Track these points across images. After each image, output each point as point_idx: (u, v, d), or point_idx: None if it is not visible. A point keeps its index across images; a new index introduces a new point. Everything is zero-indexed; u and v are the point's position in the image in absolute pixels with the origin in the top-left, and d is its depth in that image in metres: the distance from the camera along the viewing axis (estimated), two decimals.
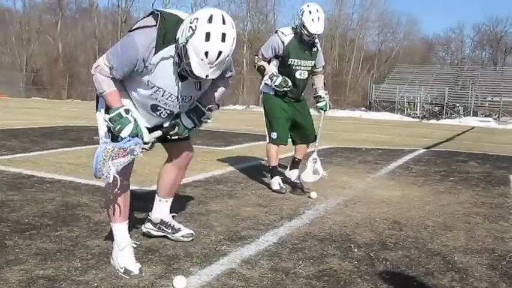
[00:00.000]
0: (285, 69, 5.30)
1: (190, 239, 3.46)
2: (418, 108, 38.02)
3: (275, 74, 5.27)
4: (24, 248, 3.18)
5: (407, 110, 37.98)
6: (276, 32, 5.38)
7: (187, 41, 2.56)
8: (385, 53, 55.03)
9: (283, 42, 5.24)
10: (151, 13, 2.82)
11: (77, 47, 54.85)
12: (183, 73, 2.71)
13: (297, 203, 4.83)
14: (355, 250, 3.45)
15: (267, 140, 5.51)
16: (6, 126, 11.80)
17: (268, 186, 5.49)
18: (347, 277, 2.93)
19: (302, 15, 5.10)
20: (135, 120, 2.77)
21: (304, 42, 5.24)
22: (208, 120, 3.11)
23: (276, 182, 5.38)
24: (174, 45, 2.72)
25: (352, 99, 46.83)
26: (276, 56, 5.33)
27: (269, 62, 5.39)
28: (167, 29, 2.71)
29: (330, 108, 5.49)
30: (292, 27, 5.31)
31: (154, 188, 3.76)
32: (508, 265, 3.28)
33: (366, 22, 53.31)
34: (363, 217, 4.37)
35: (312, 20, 5.05)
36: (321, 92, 5.46)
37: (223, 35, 2.56)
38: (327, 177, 5.17)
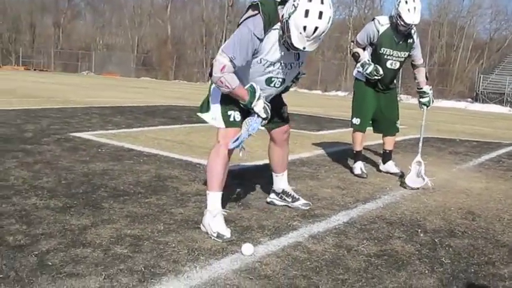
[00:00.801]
0: (377, 57, 5.41)
1: (308, 207, 3.97)
2: None
3: (367, 62, 5.40)
4: (117, 210, 3.59)
5: None
6: (373, 19, 5.46)
7: (289, 17, 2.99)
8: (497, 42, 52.20)
9: (378, 31, 5.33)
10: (250, 6, 3.21)
11: (185, 29, 56.71)
12: (285, 45, 3.12)
13: (375, 188, 4.97)
14: (421, 235, 3.57)
15: (352, 126, 5.67)
16: (116, 103, 12.66)
17: (351, 170, 5.65)
18: (406, 258, 3.08)
19: (398, 5, 5.16)
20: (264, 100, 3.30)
21: (399, 33, 5.30)
22: (303, 76, 3.69)
23: (358, 167, 5.53)
24: (278, 24, 3.14)
25: (458, 90, 45.08)
26: (371, 44, 5.45)
27: (364, 49, 5.51)
28: (269, 12, 3.12)
29: (432, 103, 5.54)
30: (390, 17, 5.37)
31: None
32: None
33: (478, 9, 50.86)
34: (438, 205, 4.44)
35: (408, 10, 5.10)
36: (426, 88, 5.50)
37: (320, 13, 2.97)
38: (433, 185, 5.10)
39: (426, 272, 2.89)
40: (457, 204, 4.52)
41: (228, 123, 3.37)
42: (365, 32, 5.43)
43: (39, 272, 2.50)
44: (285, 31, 3.06)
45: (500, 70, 41.35)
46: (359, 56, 5.45)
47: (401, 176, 5.44)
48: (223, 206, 3.45)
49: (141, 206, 3.76)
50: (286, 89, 3.70)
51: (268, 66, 3.30)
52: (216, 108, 3.43)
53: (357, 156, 5.66)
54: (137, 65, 53.83)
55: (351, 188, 4.91)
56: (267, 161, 4.16)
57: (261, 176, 4.87)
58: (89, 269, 2.57)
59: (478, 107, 32.74)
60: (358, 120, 5.57)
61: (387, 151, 5.84)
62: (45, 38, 56.81)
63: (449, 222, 3.93)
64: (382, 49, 5.37)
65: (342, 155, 6.84)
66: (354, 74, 5.72)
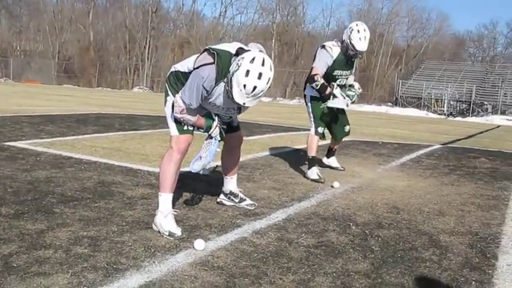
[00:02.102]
0: (329, 78, 5.88)
1: (253, 207, 4.32)
2: (445, 105, 37.97)
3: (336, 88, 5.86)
4: (69, 215, 3.76)
5: (433, 106, 38.02)
6: (323, 47, 5.90)
7: (233, 74, 3.29)
8: (414, 49, 54.77)
9: (331, 56, 5.82)
10: (206, 50, 3.55)
11: (107, 36, 55.83)
12: (229, 96, 3.40)
13: (308, 188, 5.35)
14: (353, 228, 3.95)
15: (312, 132, 6.05)
16: (44, 112, 12.52)
17: (284, 172, 6.01)
18: (341, 248, 3.45)
19: (351, 33, 5.70)
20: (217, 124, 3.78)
21: (347, 56, 5.82)
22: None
23: (315, 172, 5.87)
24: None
25: (378, 94, 46.95)
26: None
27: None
28: (223, 65, 3.43)
29: (355, 101, 6.10)
30: (335, 41, 5.91)
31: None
32: (486, 245, 3.74)
33: (396, 17, 53.20)
34: (366, 202, 4.87)
35: (359, 38, 5.66)
36: (356, 85, 6.09)
37: (260, 74, 3.25)
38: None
39: (360, 258, 3.26)
40: (383, 200, 4.96)
41: (181, 131, 3.68)
42: (322, 61, 5.84)
43: (6, 273, 2.66)
44: (228, 85, 3.35)
45: (418, 75, 43.47)
46: (327, 87, 5.82)
47: (343, 170, 6.33)
48: (172, 207, 3.69)
49: (92, 210, 3.93)
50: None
51: (217, 107, 3.70)
52: (170, 120, 3.74)
53: (313, 161, 5.99)
54: (58, 72, 52.47)
55: (285, 188, 5.26)
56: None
57: (202, 180, 5.13)
58: (54, 268, 2.76)
59: (397, 110, 34.31)
60: (322, 129, 6.01)
61: (334, 149, 6.61)
62: None
63: (377, 216, 4.34)
64: (335, 71, 5.89)
65: (274, 158, 7.21)
66: (307, 93, 6.12)
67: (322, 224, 4.00)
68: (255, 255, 3.19)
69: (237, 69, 3.27)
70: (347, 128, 6.33)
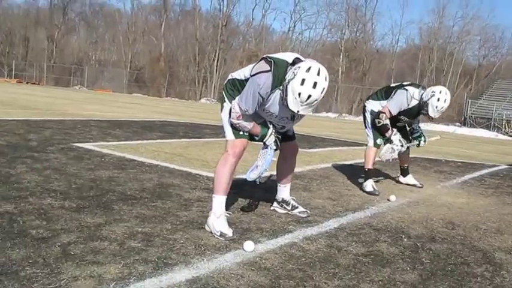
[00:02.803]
0: (394, 119, 6.01)
1: (306, 215, 4.33)
2: None
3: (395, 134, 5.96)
4: (127, 211, 3.91)
5: (504, 128, 36.76)
6: (407, 90, 5.92)
7: (289, 82, 3.40)
8: (486, 68, 53.21)
9: (408, 104, 5.88)
10: (264, 58, 3.66)
11: (178, 47, 57.22)
12: (284, 103, 3.52)
13: (364, 200, 5.33)
14: (405, 240, 3.92)
15: (370, 144, 6.08)
16: (112, 117, 12.99)
17: (341, 184, 6.01)
18: (390, 258, 3.43)
19: (431, 97, 5.72)
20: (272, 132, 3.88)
21: (419, 110, 5.91)
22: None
23: (370, 184, 5.84)
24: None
25: (446, 114, 45.62)
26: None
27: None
28: (279, 73, 3.53)
29: (424, 141, 6.32)
30: (420, 90, 5.92)
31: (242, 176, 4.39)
32: None
33: (467, 35, 51.85)
34: (421, 216, 4.80)
35: (436, 107, 5.70)
36: (422, 143, 6.29)
37: (315, 83, 3.36)
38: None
39: (408, 269, 3.23)
40: (439, 216, 4.88)
41: (237, 135, 3.79)
42: (398, 105, 5.91)
43: (64, 259, 2.81)
44: (284, 93, 3.47)
45: (488, 96, 42.13)
46: (387, 130, 5.91)
47: (421, 187, 6.37)
48: (226, 210, 3.77)
49: (149, 208, 4.07)
50: None
51: (270, 115, 3.81)
52: (226, 125, 3.87)
53: (369, 174, 5.98)
54: (129, 81, 54.11)
55: (341, 199, 5.26)
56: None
57: (259, 188, 5.20)
58: (107, 259, 2.89)
59: (465, 131, 33.32)
60: (381, 140, 6.02)
61: (406, 166, 6.57)
62: (39, 51, 57.06)
63: (431, 230, 4.28)
64: (401, 116, 6.00)
65: (333, 170, 7.21)
66: (368, 106, 6.26)
67: (374, 234, 3.99)
68: (303, 259, 3.22)
69: (293, 77, 3.39)
70: (422, 143, 6.32)
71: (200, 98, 49.68)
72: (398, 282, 2.98)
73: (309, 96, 3.37)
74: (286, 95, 3.43)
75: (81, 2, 61.01)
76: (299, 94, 3.37)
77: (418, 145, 6.23)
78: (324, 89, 3.42)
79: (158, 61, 54.84)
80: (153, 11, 59.31)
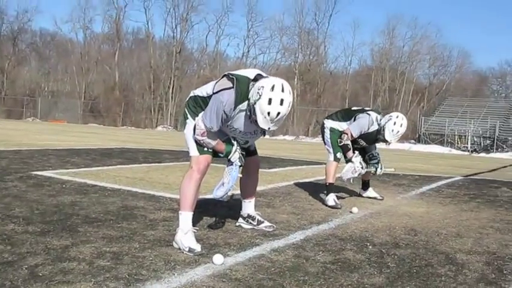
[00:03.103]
0: (354, 141, 6.20)
1: (272, 229, 4.37)
2: (468, 141, 37.65)
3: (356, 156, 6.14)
4: (93, 233, 3.88)
5: (457, 143, 37.73)
6: (369, 115, 6.12)
7: (255, 102, 3.49)
8: (436, 86, 54.67)
9: (368, 128, 6.09)
10: (226, 75, 3.75)
11: (132, 76, 56.88)
12: (253, 123, 3.62)
13: (327, 213, 5.41)
14: (370, 247, 4.00)
15: (330, 158, 6.20)
16: (70, 146, 12.81)
17: (303, 200, 6.09)
18: (358, 264, 3.50)
19: (388, 121, 5.98)
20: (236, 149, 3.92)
21: (377, 135, 6.13)
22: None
23: (332, 199, 5.94)
24: (247, 102, 3.63)
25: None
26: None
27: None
28: (242, 90, 3.62)
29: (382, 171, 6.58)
30: (379, 116, 6.14)
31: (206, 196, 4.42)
32: (504, 263, 3.76)
33: (417, 55, 53.30)
34: (384, 225, 4.91)
35: (392, 130, 5.96)
36: (379, 171, 6.52)
37: (282, 100, 3.46)
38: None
39: (375, 273, 3.31)
40: (401, 224, 5.00)
41: (201, 151, 3.83)
42: (359, 128, 6.10)
43: (33, 281, 2.78)
44: (252, 113, 3.56)
45: (440, 112, 43.29)
46: (348, 150, 6.09)
47: (382, 199, 6.55)
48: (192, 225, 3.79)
49: (115, 229, 4.05)
50: None
51: (234, 131, 3.87)
52: (190, 142, 3.88)
53: (330, 188, 6.09)
54: (84, 111, 53.36)
55: (304, 213, 5.33)
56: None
57: (223, 206, 5.25)
58: (77, 278, 2.87)
59: (420, 147, 34.09)
60: (340, 154, 6.15)
61: (365, 181, 6.74)
62: None
63: (394, 237, 4.39)
64: (359, 139, 6.19)
65: (294, 188, 7.30)
66: (326, 124, 6.40)
67: (340, 243, 4.06)
68: (272, 269, 3.26)
69: (259, 98, 3.47)
70: (378, 171, 6.50)
71: (157, 126, 49.40)
72: (367, 286, 3.05)
73: (278, 113, 3.48)
74: (255, 115, 3.52)
75: (31, 32, 60.12)
76: (268, 113, 3.46)
77: (375, 172, 6.42)
78: (290, 103, 3.53)
79: (113, 90, 54.32)
80: (106, 40, 58.84)
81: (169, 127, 48.43)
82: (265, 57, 60.64)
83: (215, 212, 4.93)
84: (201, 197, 5.34)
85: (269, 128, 3.58)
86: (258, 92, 3.48)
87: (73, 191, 5.77)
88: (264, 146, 20.99)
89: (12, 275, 2.85)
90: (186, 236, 3.61)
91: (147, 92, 54.18)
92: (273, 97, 3.45)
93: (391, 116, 6.02)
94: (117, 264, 3.16)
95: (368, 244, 4.09)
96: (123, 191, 5.99)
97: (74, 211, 4.65)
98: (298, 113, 48.31)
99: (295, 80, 51.50)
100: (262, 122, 3.52)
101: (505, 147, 35.61)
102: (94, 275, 2.92)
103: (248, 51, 55.84)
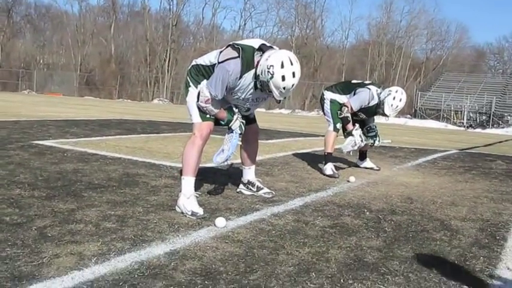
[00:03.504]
0: (354, 114, 6.25)
1: (271, 195, 4.48)
2: (464, 117, 37.79)
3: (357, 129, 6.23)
4: (97, 198, 3.98)
5: (453, 118, 37.86)
6: (370, 89, 6.17)
7: (268, 81, 3.64)
8: (433, 61, 54.66)
9: (369, 102, 6.15)
10: (230, 45, 3.82)
11: (128, 49, 56.59)
12: (257, 88, 3.81)
13: (325, 181, 5.52)
14: (367, 213, 4.12)
15: (330, 128, 6.28)
16: (68, 117, 12.86)
17: (301, 169, 6.19)
18: (355, 228, 3.61)
19: (388, 95, 6.03)
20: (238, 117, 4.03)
21: (376, 109, 6.20)
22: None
23: (329, 168, 6.06)
24: (253, 70, 3.74)
25: None
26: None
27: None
28: (247, 59, 3.72)
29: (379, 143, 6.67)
30: (380, 90, 6.19)
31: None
32: (497, 230, 3.88)
33: (415, 29, 53.16)
34: (381, 193, 5.02)
35: (391, 105, 6.01)
36: (377, 142, 6.59)
37: (293, 73, 3.65)
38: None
39: (373, 237, 3.43)
40: (397, 193, 5.12)
41: (204, 118, 3.91)
42: (360, 102, 6.16)
43: (43, 240, 2.88)
44: (266, 89, 3.71)
45: (436, 88, 43.33)
46: (348, 123, 6.17)
47: (378, 169, 6.64)
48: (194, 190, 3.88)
49: (118, 195, 4.14)
50: None
51: (237, 99, 3.97)
52: (193, 109, 3.95)
53: (329, 157, 6.19)
54: (80, 84, 53.10)
55: (303, 182, 5.44)
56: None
57: (223, 174, 5.35)
58: (85, 238, 2.97)
59: (416, 122, 34.20)
60: (340, 124, 6.22)
61: (363, 151, 6.80)
62: None
63: (391, 205, 4.50)
64: (359, 112, 6.27)
65: (292, 158, 7.39)
66: (326, 95, 6.45)
67: (338, 210, 4.17)
68: (273, 232, 3.37)
69: (271, 77, 3.62)
70: (376, 143, 6.59)
71: (153, 99, 49.31)
72: (365, 248, 3.16)
73: (293, 84, 3.67)
74: (270, 90, 3.69)
75: (26, 4, 59.55)
76: (284, 88, 3.65)
77: (373, 144, 6.49)
78: (299, 71, 3.70)
79: (109, 63, 54.07)
80: (102, 12, 58.44)
81: (166, 100, 48.35)
82: (262, 31, 60.27)
83: (215, 180, 5.03)
84: (201, 165, 5.44)
85: (284, 98, 3.82)
86: (268, 71, 3.61)
87: (75, 159, 5.84)
88: (260, 119, 20.95)
89: (22, 235, 2.94)
90: (188, 200, 3.70)
91: (143, 64, 53.99)
92: (285, 73, 3.60)
93: (390, 90, 6.08)
94: (123, 226, 3.26)
95: (365, 210, 4.20)
96: (124, 159, 6.07)
97: (77, 178, 4.74)
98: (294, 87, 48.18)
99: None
100: (278, 95, 3.71)
101: (501, 123, 35.75)
102: (101, 236, 3.02)
103: (245, 24, 55.72)
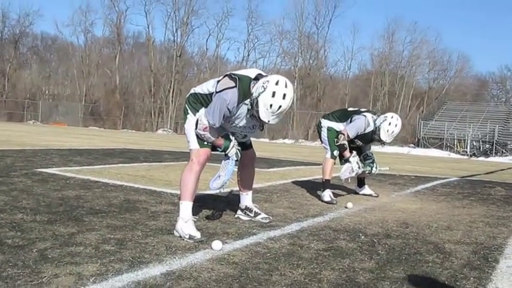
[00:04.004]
0: (352, 143, 6.40)
1: (268, 220, 4.56)
2: (467, 145, 37.79)
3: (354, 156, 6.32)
4: (97, 222, 4.07)
5: (456, 147, 37.89)
6: (365, 116, 6.31)
7: (259, 95, 3.74)
8: (436, 90, 54.93)
9: (365, 129, 6.28)
10: (228, 75, 3.98)
11: (133, 79, 57.17)
12: (254, 115, 3.86)
13: (322, 208, 5.60)
14: (362, 237, 4.19)
15: (328, 156, 6.38)
16: (72, 146, 13.00)
17: (300, 196, 6.28)
18: (349, 251, 3.69)
19: (383, 121, 6.17)
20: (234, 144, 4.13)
21: (372, 136, 6.33)
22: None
23: (328, 194, 6.14)
24: (248, 99, 3.86)
25: (400, 136, 46.77)
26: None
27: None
28: (244, 89, 3.86)
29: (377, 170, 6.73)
30: (375, 117, 6.33)
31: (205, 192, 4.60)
32: (489, 252, 3.94)
33: (417, 59, 53.55)
34: (377, 219, 5.10)
35: (387, 130, 6.15)
36: (374, 170, 6.65)
37: (284, 95, 3.73)
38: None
39: (366, 259, 3.50)
40: (394, 218, 5.19)
41: (202, 144, 4.04)
42: (356, 129, 6.29)
43: (43, 261, 2.96)
44: (254, 106, 3.79)
45: (439, 117, 43.50)
46: (345, 150, 6.29)
47: (377, 196, 6.71)
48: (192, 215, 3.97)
49: (118, 220, 4.24)
50: None
51: (234, 126, 4.11)
52: (191, 135, 4.08)
53: (327, 184, 6.28)
54: (85, 114, 53.57)
55: (301, 208, 5.52)
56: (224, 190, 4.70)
57: (222, 200, 5.44)
58: (84, 260, 3.05)
59: (419, 151, 34.25)
60: (337, 152, 6.32)
61: (361, 178, 6.89)
62: None
63: (386, 229, 4.58)
64: (356, 139, 6.38)
65: (291, 185, 7.49)
66: (323, 123, 6.58)
67: (333, 234, 4.25)
68: (268, 255, 3.44)
69: (263, 91, 3.73)
70: (374, 170, 6.65)
71: (157, 129, 49.59)
72: (357, 269, 3.23)
73: (280, 106, 3.74)
74: (257, 107, 3.76)
75: (32, 36, 60.44)
76: (270, 105, 3.72)
77: (370, 172, 6.58)
78: (291, 98, 3.79)
79: (113, 93, 54.57)
80: (107, 43, 59.15)
81: (170, 130, 48.60)
82: (265, 61, 60.91)
83: (214, 206, 5.12)
84: (200, 192, 5.53)
85: (269, 121, 3.80)
86: (263, 86, 3.74)
87: (77, 186, 5.95)
88: (263, 149, 21.20)
89: (23, 257, 3.03)
90: (186, 224, 3.79)
91: (148, 95, 54.42)
92: (277, 91, 3.71)
93: (386, 116, 6.21)
94: (121, 249, 3.34)
95: (360, 234, 4.28)
96: (126, 186, 6.18)
97: (78, 203, 4.84)
98: (298, 117, 48.53)
99: (295, 84, 51.65)
100: (264, 114, 3.76)
101: (504, 151, 35.77)
102: (100, 258, 3.10)
103: (248, 55, 56.22)
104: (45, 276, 2.71)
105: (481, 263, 3.61)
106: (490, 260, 3.71)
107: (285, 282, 2.88)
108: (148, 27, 64.26)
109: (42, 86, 59.38)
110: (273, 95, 3.69)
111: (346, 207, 5.67)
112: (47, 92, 60.27)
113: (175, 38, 54.53)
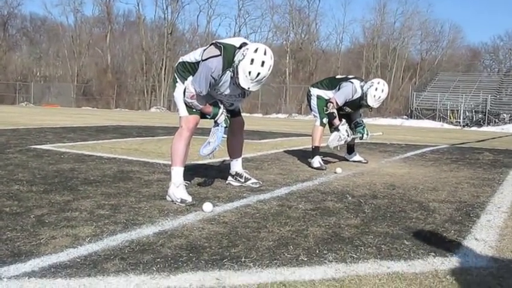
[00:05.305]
0: (341, 110, 6.51)
1: (258, 185, 4.69)
2: (460, 115, 37.94)
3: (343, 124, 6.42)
4: (92, 191, 4.19)
5: (449, 117, 38.05)
6: (352, 83, 6.40)
7: (239, 63, 3.83)
8: (428, 62, 54.93)
9: (352, 96, 6.37)
10: (213, 44, 4.05)
11: (124, 58, 56.93)
12: (235, 82, 3.95)
13: (312, 173, 5.74)
14: (349, 198, 4.33)
15: (317, 123, 6.51)
16: (65, 125, 13.07)
17: (290, 163, 6.40)
18: (336, 211, 3.82)
19: (370, 87, 6.26)
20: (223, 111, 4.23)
21: (360, 101, 6.42)
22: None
23: (317, 161, 6.29)
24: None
25: (393, 108, 47.08)
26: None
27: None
28: (228, 57, 3.93)
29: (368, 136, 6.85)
30: (362, 83, 6.43)
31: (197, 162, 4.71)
32: (472, 209, 4.08)
33: (409, 31, 53.44)
34: (365, 182, 5.24)
35: (374, 96, 6.23)
36: (365, 136, 6.81)
37: (263, 62, 3.80)
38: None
39: (351, 217, 3.64)
40: (381, 181, 5.33)
41: (190, 111, 4.15)
42: (344, 96, 6.37)
43: (40, 225, 3.08)
44: (235, 74, 3.88)
45: (432, 88, 43.53)
46: (335, 118, 6.38)
47: (366, 162, 6.85)
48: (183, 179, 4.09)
49: (112, 188, 4.36)
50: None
51: (220, 94, 4.20)
52: (180, 103, 4.19)
53: (316, 151, 6.42)
54: (77, 94, 53.44)
55: (290, 174, 5.65)
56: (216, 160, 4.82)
57: (213, 169, 5.55)
58: (80, 223, 3.17)
59: (412, 123, 34.43)
60: (326, 119, 6.42)
61: (351, 146, 7.03)
62: None
63: (374, 191, 4.72)
64: (345, 106, 6.48)
65: (282, 154, 7.62)
66: (313, 92, 6.67)
67: (322, 196, 4.39)
68: (257, 215, 3.58)
69: (242, 58, 3.81)
70: (365, 136, 6.80)
71: (150, 107, 49.58)
72: (343, 225, 3.37)
73: (258, 73, 3.81)
74: (237, 74, 3.84)
75: (21, 17, 59.92)
76: (249, 72, 3.80)
77: (361, 138, 6.70)
78: (270, 66, 3.85)
79: (105, 73, 54.40)
80: (97, 23, 58.77)
81: (163, 108, 48.62)
82: (257, 36, 60.60)
83: (206, 174, 5.25)
84: (193, 162, 5.65)
85: (249, 88, 3.90)
86: (242, 53, 3.83)
87: (71, 160, 6.06)
88: (256, 123, 21.32)
89: (22, 222, 3.15)
90: (178, 189, 3.92)
91: (140, 73, 54.26)
92: (255, 58, 3.78)
93: (372, 82, 6.31)
94: (116, 213, 3.47)
95: (348, 196, 4.42)
96: (119, 159, 6.29)
97: (73, 175, 4.95)
98: (290, 91, 48.53)
99: (287, 58, 51.66)
100: (243, 81, 3.85)
101: (496, 121, 35.95)
102: (95, 221, 3.23)
103: (239, 30, 55.96)
104: (42, 238, 2.83)
105: (463, 218, 3.75)
106: (471, 215, 3.85)
107: (273, 238, 3.01)
108: (138, 5, 64.21)
109: (33, 67, 59.01)
110: (252, 62, 3.77)
111: (335, 173, 5.80)
112: (38, 74, 59.90)
113: (166, 15, 54.32)
